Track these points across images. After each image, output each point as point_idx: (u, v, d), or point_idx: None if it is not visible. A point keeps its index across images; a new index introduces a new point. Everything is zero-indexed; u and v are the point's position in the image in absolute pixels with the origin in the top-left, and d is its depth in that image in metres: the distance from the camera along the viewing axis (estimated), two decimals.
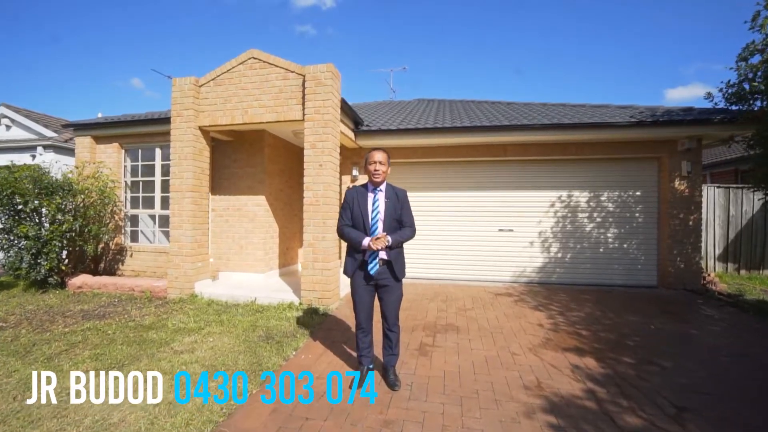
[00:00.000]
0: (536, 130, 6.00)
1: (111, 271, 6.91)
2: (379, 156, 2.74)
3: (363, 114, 7.52)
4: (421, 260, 6.99)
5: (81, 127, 6.85)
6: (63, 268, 5.47)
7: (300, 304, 4.92)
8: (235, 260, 6.32)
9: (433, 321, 4.47)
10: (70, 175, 6.05)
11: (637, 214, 6.47)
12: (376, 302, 2.86)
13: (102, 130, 6.80)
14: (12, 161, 6.26)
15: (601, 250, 6.57)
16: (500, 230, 6.84)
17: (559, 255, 6.70)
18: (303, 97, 4.95)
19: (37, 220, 5.22)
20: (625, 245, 6.49)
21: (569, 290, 6.17)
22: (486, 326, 4.29)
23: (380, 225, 2.72)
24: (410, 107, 9.18)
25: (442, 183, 7.04)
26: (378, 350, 3.15)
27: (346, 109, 5.56)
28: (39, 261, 5.21)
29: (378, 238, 2.57)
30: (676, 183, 6.06)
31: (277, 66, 5.10)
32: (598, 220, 6.60)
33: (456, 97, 10.25)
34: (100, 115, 7.75)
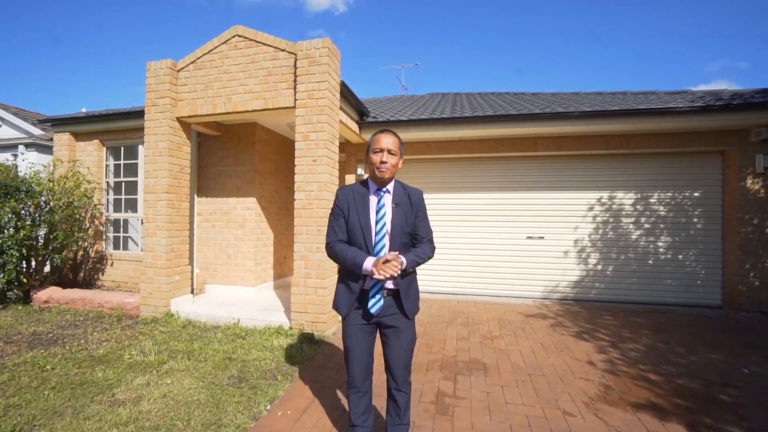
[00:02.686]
0: (574, 120, 5.03)
1: (90, 282, 6.23)
2: (387, 140, 1.85)
3: (371, 108, 6.67)
4: (437, 272, 6.08)
5: (59, 123, 6.20)
6: (25, 280, 4.77)
7: (290, 328, 4.08)
8: (223, 271, 5.54)
9: (453, 355, 3.56)
10: (41, 175, 5.38)
11: (695, 220, 5.42)
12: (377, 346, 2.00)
13: (81, 125, 6.14)
14: None
15: (650, 261, 5.54)
16: (529, 238, 5.87)
17: (599, 267, 5.70)
18: (295, 80, 4.13)
19: None
20: (680, 256, 5.45)
21: (614, 310, 5.16)
22: (521, 364, 3.35)
23: (387, 241, 1.85)
24: (423, 100, 8.29)
25: (461, 183, 6.12)
26: (379, 400, 2.27)
27: (348, 96, 4.72)
28: None
29: (387, 261, 1.69)
30: (748, 181, 5.00)
31: (265, 44, 4.30)
32: (647, 226, 5.57)
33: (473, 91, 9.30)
34: (84, 111, 7.13)
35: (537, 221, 5.86)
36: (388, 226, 1.85)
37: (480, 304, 5.50)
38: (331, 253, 1.89)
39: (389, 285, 1.85)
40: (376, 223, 1.86)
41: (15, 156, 7.44)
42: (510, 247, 5.91)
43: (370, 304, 1.82)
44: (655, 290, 5.49)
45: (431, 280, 6.06)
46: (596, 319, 4.76)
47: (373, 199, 1.91)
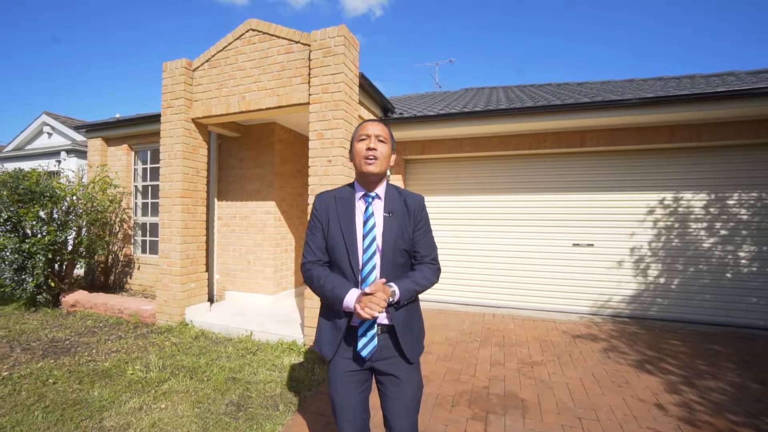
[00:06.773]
0: (633, 108, 4.30)
1: (120, 285, 6.31)
2: (374, 127, 1.43)
3: (400, 106, 6.24)
4: (470, 282, 5.50)
5: (92, 129, 6.35)
6: (52, 284, 4.82)
7: (303, 344, 3.75)
8: (242, 278, 5.34)
9: (485, 385, 3.03)
10: (71, 180, 5.49)
11: None
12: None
13: (111, 130, 6.23)
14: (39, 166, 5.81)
15: (728, 275, 4.65)
16: (575, 245, 5.16)
17: (662, 281, 4.87)
18: (309, 74, 3.80)
19: (23, 232, 4.61)
20: None
21: (682, 332, 4.36)
22: (568, 402, 2.77)
23: (378, 262, 1.41)
24: (456, 95, 7.73)
25: (498, 184, 5.51)
26: None
27: (368, 89, 4.32)
28: (23, 277, 4.60)
29: (370, 294, 1.26)
30: None
31: (279, 37, 4.01)
32: (723, 233, 4.68)
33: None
34: (118, 116, 7.31)
35: (585, 226, 5.13)
36: (379, 242, 1.41)
37: (519, 319, 4.89)
38: (308, 278, 1.46)
39: (383, 320, 1.42)
40: (364, 237, 1.41)
41: (58, 162, 7.80)
42: (554, 256, 5.23)
43: (360, 345, 1.38)
44: (735, 309, 4.59)
45: (464, 291, 5.49)
46: (660, 343, 4.01)
47: (359, 206, 1.47)
